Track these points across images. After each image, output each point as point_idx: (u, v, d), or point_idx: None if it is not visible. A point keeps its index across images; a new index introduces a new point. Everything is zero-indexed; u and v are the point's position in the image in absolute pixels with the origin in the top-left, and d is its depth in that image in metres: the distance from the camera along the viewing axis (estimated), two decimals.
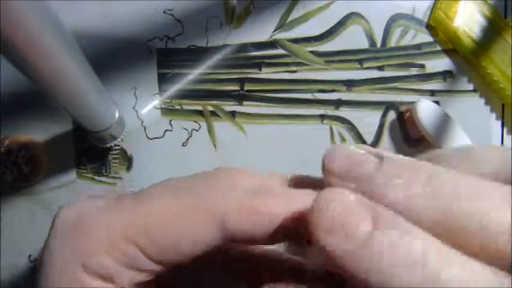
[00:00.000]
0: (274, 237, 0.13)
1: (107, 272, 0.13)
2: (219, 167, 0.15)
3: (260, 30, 0.29)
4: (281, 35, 0.29)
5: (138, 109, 0.29)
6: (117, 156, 0.29)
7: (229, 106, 0.29)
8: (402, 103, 0.30)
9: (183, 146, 0.29)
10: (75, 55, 0.19)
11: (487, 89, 0.29)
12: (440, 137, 0.27)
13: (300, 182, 0.15)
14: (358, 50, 0.29)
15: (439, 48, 0.29)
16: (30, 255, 0.30)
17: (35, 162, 0.29)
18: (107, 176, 0.29)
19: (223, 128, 0.29)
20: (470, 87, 0.30)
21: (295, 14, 0.29)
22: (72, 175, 0.29)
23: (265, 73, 0.29)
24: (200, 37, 0.29)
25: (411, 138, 0.30)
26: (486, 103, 0.30)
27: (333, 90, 0.29)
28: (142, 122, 0.29)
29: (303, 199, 0.13)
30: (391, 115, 0.30)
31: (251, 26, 0.29)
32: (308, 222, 0.11)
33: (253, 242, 0.13)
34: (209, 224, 0.13)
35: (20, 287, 0.30)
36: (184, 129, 0.29)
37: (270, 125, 0.29)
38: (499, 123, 0.30)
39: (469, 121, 0.30)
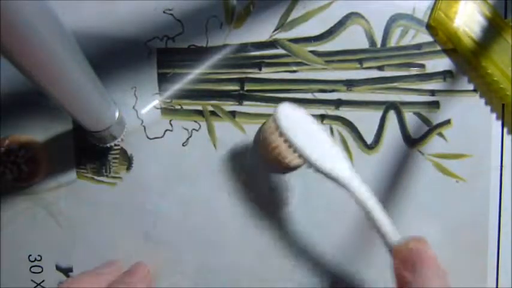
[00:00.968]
0: None
1: None
2: None
3: (260, 30, 0.29)
4: (281, 35, 0.29)
5: (138, 109, 0.29)
6: (117, 156, 0.29)
7: (229, 106, 0.29)
8: (402, 103, 0.30)
9: (183, 146, 0.29)
10: (75, 55, 0.19)
11: (487, 89, 0.29)
12: (301, 142, 0.24)
13: None
14: (358, 50, 0.29)
15: (439, 48, 0.29)
16: (30, 255, 0.30)
17: (35, 162, 0.29)
18: (106, 176, 0.29)
19: (223, 128, 0.29)
20: (470, 87, 0.30)
21: (295, 14, 0.29)
22: (72, 175, 0.29)
23: (265, 73, 0.29)
24: (200, 37, 0.29)
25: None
26: (486, 103, 0.30)
27: (333, 90, 0.29)
28: (142, 122, 0.29)
29: None
30: (391, 115, 0.30)
31: (251, 26, 0.29)
32: None
33: None
34: None
35: (20, 287, 0.30)
36: (184, 129, 0.29)
37: None
38: (499, 123, 0.30)
39: (469, 121, 0.30)
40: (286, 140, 0.25)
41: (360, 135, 0.30)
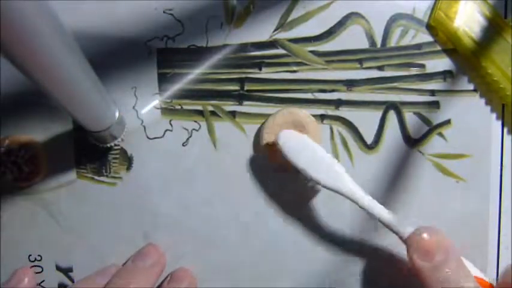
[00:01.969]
0: None
1: None
2: None
3: (260, 30, 0.29)
4: (281, 35, 0.29)
5: (138, 109, 0.29)
6: (117, 156, 0.29)
7: (229, 106, 0.29)
8: (402, 103, 0.30)
9: (183, 146, 0.29)
10: (75, 55, 0.19)
11: (487, 89, 0.29)
12: (305, 164, 0.27)
13: None
14: (358, 50, 0.29)
15: (439, 48, 0.29)
16: (30, 255, 0.30)
17: (35, 162, 0.29)
18: (106, 176, 0.29)
19: (223, 128, 0.29)
20: (470, 87, 0.30)
21: (295, 14, 0.29)
22: (72, 175, 0.29)
23: (265, 73, 0.29)
24: (200, 37, 0.29)
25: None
26: (486, 103, 0.30)
27: (333, 90, 0.29)
28: (142, 122, 0.29)
29: None
30: (391, 115, 0.30)
31: (251, 26, 0.29)
32: None
33: None
34: None
35: None
36: (184, 129, 0.29)
37: None
38: (499, 123, 0.30)
39: (469, 121, 0.30)
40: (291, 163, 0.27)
41: (360, 135, 0.30)
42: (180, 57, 0.29)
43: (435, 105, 0.30)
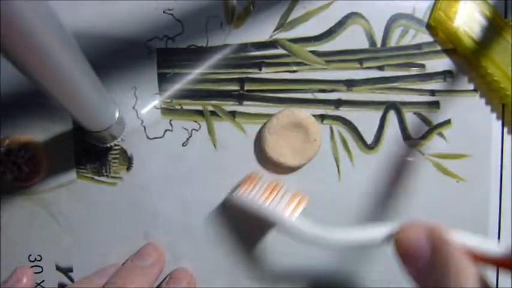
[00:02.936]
0: None
1: None
2: None
3: (260, 30, 0.29)
4: (281, 35, 0.29)
5: (138, 109, 0.29)
6: (117, 156, 0.29)
7: (229, 106, 0.29)
8: (402, 103, 0.30)
9: (183, 146, 0.29)
10: (75, 55, 0.19)
11: (487, 89, 0.29)
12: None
13: None
14: (358, 50, 0.29)
15: (439, 48, 0.29)
16: (30, 255, 0.30)
17: (35, 162, 0.29)
18: (106, 176, 0.29)
19: (223, 128, 0.29)
20: (470, 87, 0.30)
21: (295, 13, 0.29)
22: (72, 175, 0.29)
23: (265, 73, 0.29)
24: (200, 37, 0.29)
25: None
26: (486, 103, 0.30)
27: (333, 90, 0.29)
28: (142, 122, 0.29)
29: None
30: (391, 115, 0.30)
31: (251, 26, 0.29)
32: None
33: None
34: None
35: None
36: (184, 129, 0.29)
37: None
38: (499, 123, 0.30)
39: (469, 121, 0.30)
40: None
41: (360, 135, 0.30)
42: (180, 57, 0.29)
43: (435, 105, 0.30)
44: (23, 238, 0.30)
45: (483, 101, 0.30)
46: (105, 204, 0.30)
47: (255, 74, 0.29)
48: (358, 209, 0.30)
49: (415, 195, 0.30)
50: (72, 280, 0.30)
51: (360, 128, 0.30)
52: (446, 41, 0.29)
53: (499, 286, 0.30)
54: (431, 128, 0.30)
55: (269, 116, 0.29)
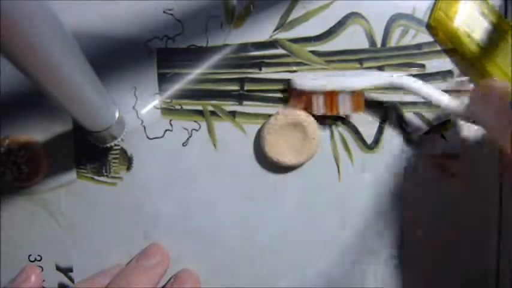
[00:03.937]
0: None
1: None
2: None
3: (260, 30, 0.29)
4: (281, 35, 0.29)
5: (138, 109, 0.29)
6: (117, 156, 0.29)
7: (229, 106, 0.29)
8: (402, 103, 0.30)
9: (183, 146, 0.29)
10: (75, 55, 0.19)
11: None
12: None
13: None
14: (358, 50, 0.29)
15: (439, 48, 0.29)
16: (30, 255, 0.30)
17: (35, 162, 0.29)
18: (106, 176, 0.29)
19: (223, 128, 0.29)
20: (470, 86, 0.30)
21: (295, 13, 0.29)
22: (72, 175, 0.29)
23: (265, 73, 0.29)
24: (200, 37, 0.29)
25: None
26: None
27: None
28: (142, 122, 0.29)
29: None
30: (391, 115, 0.30)
31: (251, 26, 0.29)
32: None
33: None
34: None
35: None
36: (184, 129, 0.29)
37: None
38: None
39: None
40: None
41: (360, 135, 0.30)
42: (180, 57, 0.29)
43: (435, 105, 0.30)
44: (23, 238, 0.30)
45: None
46: (105, 204, 0.30)
47: (255, 74, 0.29)
48: (358, 208, 0.30)
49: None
50: (72, 280, 0.30)
51: (359, 128, 0.30)
52: (446, 41, 0.29)
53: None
54: (431, 128, 0.30)
55: (269, 116, 0.29)
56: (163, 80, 0.29)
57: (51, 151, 0.29)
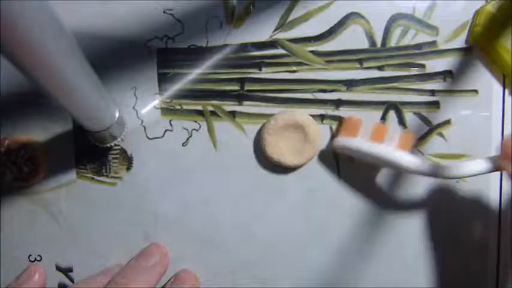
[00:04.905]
0: None
1: None
2: None
3: (260, 30, 0.29)
4: (281, 35, 0.29)
5: (138, 109, 0.29)
6: (117, 156, 0.29)
7: (229, 106, 0.29)
8: (402, 103, 0.30)
9: (183, 146, 0.29)
10: (75, 55, 0.19)
11: None
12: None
13: None
14: (358, 50, 0.29)
15: (439, 48, 0.29)
16: (30, 255, 0.30)
17: (35, 162, 0.29)
18: (106, 176, 0.29)
19: (223, 128, 0.29)
20: (470, 87, 0.30)
21: (295, 13, 0.29)
22: (72, 175, 0.29)
23: (265, 73, 0.29)
24: (200, 37, 0.29)
25: None
26: None
27: (333, 90, 0.29)
28: (142, 122, 0.29)
29: None
30: (391, 115, 0.30)
31: (251, 26, 0.29)
32: None
33: None
34: None
35: None
36: (184, 129, 0.29)
37: None
38: (499, 123, 0.30)
39: (469, 121, 0.30)
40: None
41: None
42: (180, 57, 0.29)
43: (435, 105, 0.30)
44: (23, 238, 0.30)
45: (483, 101, 0.30)
46: (105, 204, 0.30)
47: (255, 74, 0.29)
48: (358, 208, 0.30)
49: (415, 195, 0.30)
50: (72, 280, 0.30)
51: None
52: (489, 61, 0.29)
53: (499, 286, 0.30)
54: (431, 128, 0.30)
55: (269, 116, 0.29)
56: (163, 80, 0.29)
57: (51, 151, 0.29)
